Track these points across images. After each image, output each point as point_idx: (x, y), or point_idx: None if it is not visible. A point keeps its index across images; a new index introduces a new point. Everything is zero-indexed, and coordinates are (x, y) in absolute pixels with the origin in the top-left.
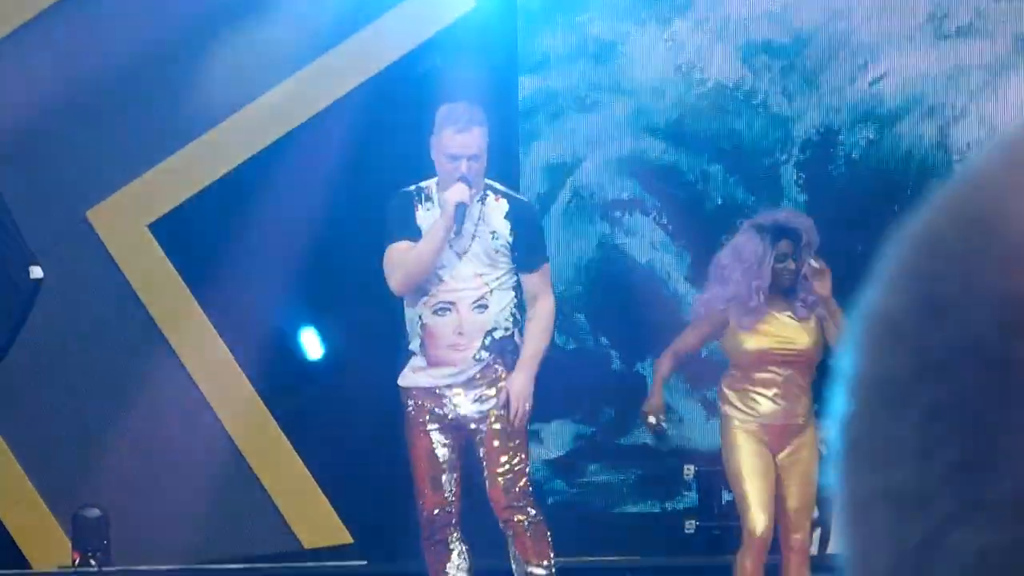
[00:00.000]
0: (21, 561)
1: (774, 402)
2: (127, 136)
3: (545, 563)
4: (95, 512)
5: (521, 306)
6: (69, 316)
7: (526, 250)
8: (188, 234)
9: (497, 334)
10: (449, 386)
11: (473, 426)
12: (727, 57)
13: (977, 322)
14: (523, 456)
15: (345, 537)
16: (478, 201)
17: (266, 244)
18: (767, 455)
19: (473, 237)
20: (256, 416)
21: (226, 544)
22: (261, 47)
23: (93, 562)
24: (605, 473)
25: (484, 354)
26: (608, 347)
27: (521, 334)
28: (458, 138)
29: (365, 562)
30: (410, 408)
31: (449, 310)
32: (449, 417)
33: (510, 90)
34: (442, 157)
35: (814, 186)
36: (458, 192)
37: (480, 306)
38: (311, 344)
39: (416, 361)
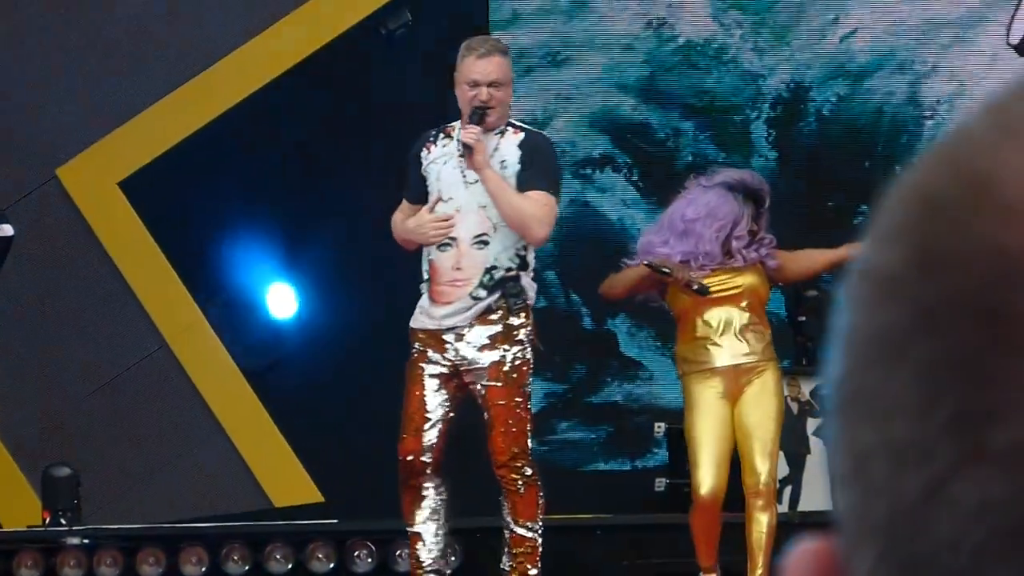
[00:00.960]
0: None
1: (722, 344)
2: (97, 94)
3: (530, 524)
4: (65, 471)
5: (526, 246)
6: (39, 274)
7: (530, 174)
8: (158, 191)
9: (497, 273)
10: (451, 329)
11: (474, 378)
12: (698, 13)
13: (974, 275)
14: (524, 414)
15: (316, 496)
16: (497, 134)
17: (237, 201)
18: (721, 409)
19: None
20: (227, 374)
21: (198, 502)
22: (226, 5)
23: (63, 521)
24: (576, 431)
25: (482, 292)
26: (579, 305)
27: (527, 276)
28: (479, 64)
29: (336, 521)
30: (413, 351)
31: (451, 245)
32: (450, 364)
33: None
34: (464, 86)
35: (785, 143)
36: (467, 134)
37: (481, 242)
38: (282, 302)
39: (422, 300)
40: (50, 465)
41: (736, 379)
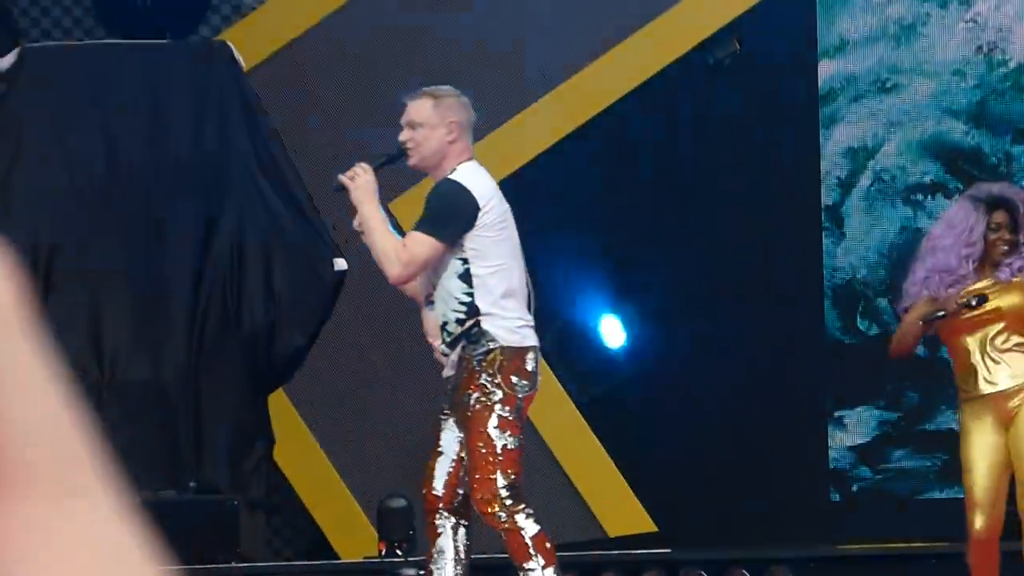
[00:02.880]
0: (330, 553)
1: (987, 368)
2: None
3: (527, 565)
4: (400, 502)
5: (471, 293)
6: (368, 309)
7: (420, 216)
8: None
9: (450, 327)
10: (447, 381)
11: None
12: None
13: None
14: (490, 458)
15: (649, 525)
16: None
17: (565, 231)
18: (992, 439)
19: None
20: (560, 404)
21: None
22: (555, 36)
23: (399, 552)
24: (910, 459)
25: (446, 349)
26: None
27: (493, 320)
28: (407, 107)
29: (669, 550)
30: None
31: (430, 309)
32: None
33: (810, 74)
34: None
35: None
36: (348, 172)
37: (430, 302)
38: (614, 331)
39: None
40: (386, 497)
41: (1004, 404)
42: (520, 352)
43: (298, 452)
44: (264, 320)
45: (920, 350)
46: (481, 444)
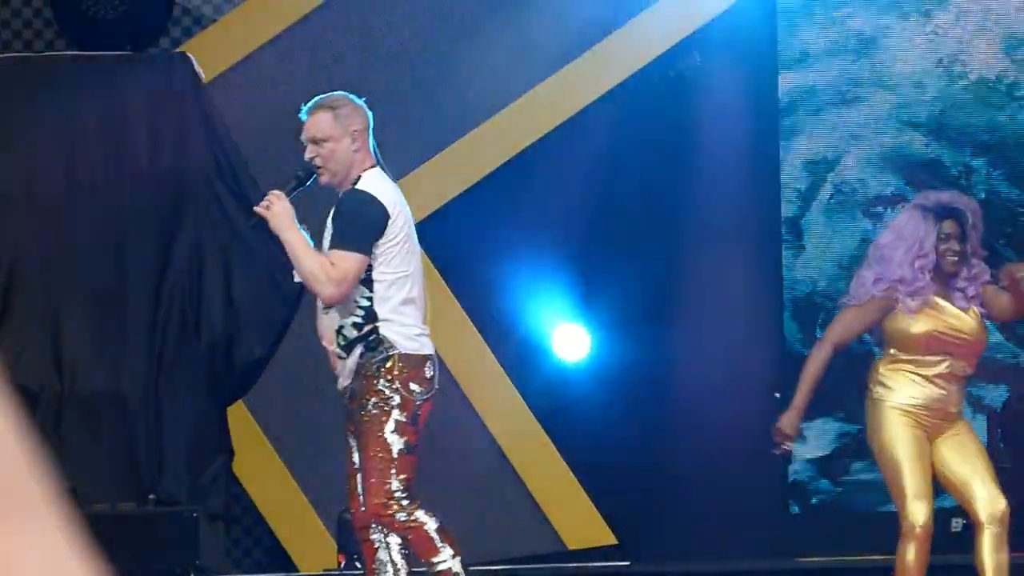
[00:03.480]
0: (290, 565)
1: (934, 388)
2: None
3: (436, 559)
4: None
5: (370, 298)
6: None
7: (333, 234)
8: (450, 234)
9: (347, 331)
10: (345, 391)
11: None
12: (990, 50)
13: None
14: (386, 460)
15: (609, 538)
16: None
17: (527, 242)
18: (923, 440)
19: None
20: (519, 415)
21: (491, 544)
22: (517, 49)
23: (359, 564)
24: (870, 472)
25: (340, 352)
26: (870, 344)
27: (392, 326)
28: (305, 123)
29: (628, 563)
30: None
31: (323, 312)
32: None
33: (770, 86)
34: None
35: None
36: (263, 202)
37: (327, 307)
38: (573, 343)
39: None
40: (345, 509)
41: (937, 423)
42: (418, 360)
43: (257, 463)
44: (223, 330)
45: None
46: (378, 448)
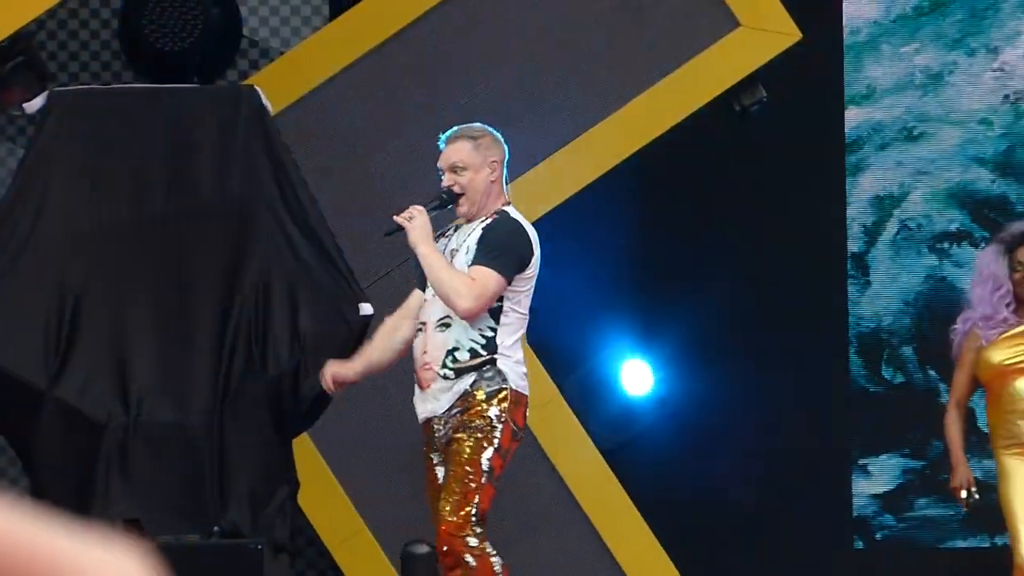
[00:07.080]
0: None
1: None
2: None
3: None
4: (424, 548)
5: (495, 329)
6: None
7: (478, 252)
8: None
9: (460, 355)
10: (431, 418)
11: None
12: None
13: None
14: (475, 489)
15: (674, 574)
16: (480, 221)
17: (590, 276)
18: None
19: (452, 252)
20: (585, 451)
21: None
22: (581, 85)
23: None
24: (934, 507)
25: (449, 373)
26: (937, 380)
27: (507, 360)
28: (444, 150)
29: None
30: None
31: (422, 330)
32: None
33: (836, 122)
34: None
35: None
36: (404, 214)
37: (443, 324)
38: (636, 379)
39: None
40: (409, 542)
41: None
42: (524, 400)
43: (321, 495)
44: (289, 363)
45: (945, 398)
46: (471, 470)
